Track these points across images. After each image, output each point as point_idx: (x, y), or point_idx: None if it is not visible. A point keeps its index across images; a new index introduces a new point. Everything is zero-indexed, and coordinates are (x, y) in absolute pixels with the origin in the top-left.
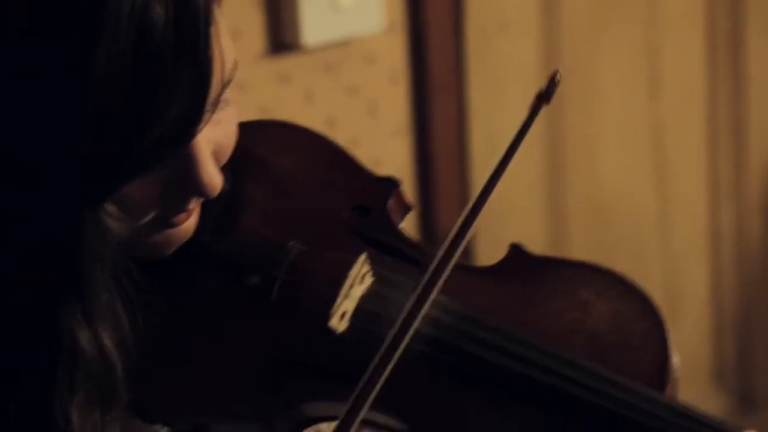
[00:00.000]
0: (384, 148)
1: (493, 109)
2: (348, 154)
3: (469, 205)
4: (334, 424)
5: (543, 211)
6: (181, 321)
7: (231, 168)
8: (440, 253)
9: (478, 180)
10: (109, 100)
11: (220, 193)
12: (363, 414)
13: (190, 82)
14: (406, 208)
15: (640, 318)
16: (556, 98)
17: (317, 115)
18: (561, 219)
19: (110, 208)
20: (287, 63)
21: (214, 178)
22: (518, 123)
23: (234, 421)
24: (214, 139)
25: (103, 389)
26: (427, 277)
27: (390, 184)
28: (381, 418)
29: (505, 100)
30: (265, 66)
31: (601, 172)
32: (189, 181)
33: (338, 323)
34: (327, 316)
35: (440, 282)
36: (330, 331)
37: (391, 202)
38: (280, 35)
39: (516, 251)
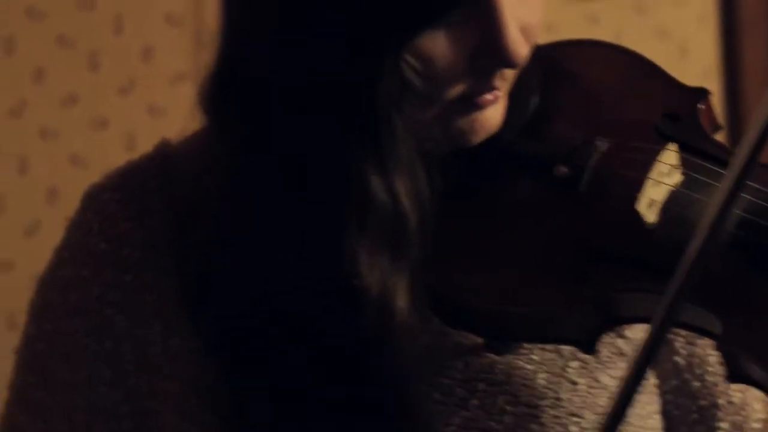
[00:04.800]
0: None
1: None
2: (657, 65)
3: None
4: (640, 328)
5: None
6: (488, 214)
7: (541, 81)
8: (751, 139)
9: None
10: None
11: (529, 103)
12: (679, 308)
13: None
14: (714, 123)
15: None
16: None
17: None
18: None
19: (413, 61)
20: (597, 4)
21: (518, 44)
22: None
23: (543, 315)
24: (518, 17)
25: (393, 237)
26: (740, 160)
27: (700, 93)
28: (695, 317)
29: None
30: (575, 7)
31: None
32: (493, 47)
33: (646, 211)
34: (634, 202)
35: (754, 165)
36: (638, 218)
37: (701, 110)
38: None
39: None
